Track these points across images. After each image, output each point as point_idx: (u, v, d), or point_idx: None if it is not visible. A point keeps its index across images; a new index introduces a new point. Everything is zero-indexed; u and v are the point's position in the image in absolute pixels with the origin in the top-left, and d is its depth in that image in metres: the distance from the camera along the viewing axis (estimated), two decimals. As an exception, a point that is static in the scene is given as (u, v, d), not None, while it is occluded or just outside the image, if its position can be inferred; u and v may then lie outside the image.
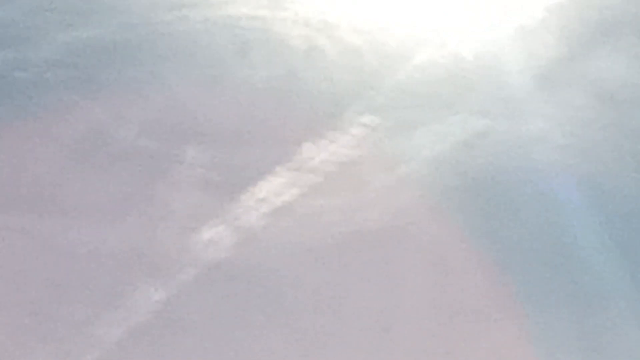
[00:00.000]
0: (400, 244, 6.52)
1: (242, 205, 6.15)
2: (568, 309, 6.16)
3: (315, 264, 6.34)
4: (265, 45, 6.31)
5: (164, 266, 5.99)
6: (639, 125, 6.56)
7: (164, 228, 6.19)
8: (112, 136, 6.48)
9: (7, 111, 6.22)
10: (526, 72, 6.57)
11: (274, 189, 6.16)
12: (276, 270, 6.25)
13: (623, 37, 6.97)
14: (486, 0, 6.57)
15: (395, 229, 6.48)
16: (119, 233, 6.17)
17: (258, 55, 6.33)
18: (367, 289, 6.32)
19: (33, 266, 5.95)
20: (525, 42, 6.51)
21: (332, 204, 6.44)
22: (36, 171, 6.38)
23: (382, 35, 6.34)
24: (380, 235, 6.53)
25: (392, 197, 6.53)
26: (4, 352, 5.38)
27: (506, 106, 6.56)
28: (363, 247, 6.49)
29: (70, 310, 5.74)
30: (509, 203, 6.54)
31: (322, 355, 5.60)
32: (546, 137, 6.50)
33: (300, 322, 5.96)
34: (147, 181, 6.27)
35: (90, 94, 6.29)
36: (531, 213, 6.35)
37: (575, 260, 6.59)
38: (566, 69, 6.75)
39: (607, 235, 6.73)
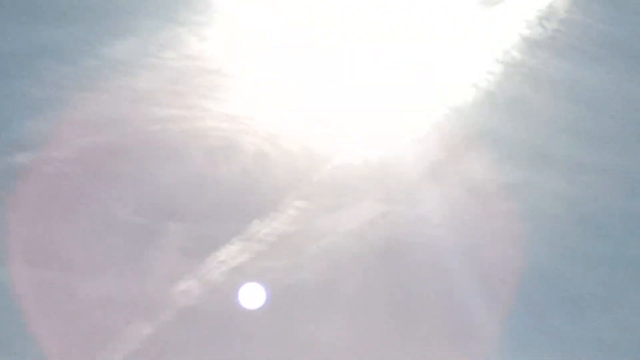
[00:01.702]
0: (327, 295, 9.11)
1: (207, 266, 8.71)
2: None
3: (262, 309, 8.91)
4: (225, 150, 8.96)
5: (151, 309, 8.51)
6: (497, 209, 9.26)
7: (151, 281, 8.73)
8: (113, 213, 9.05)
9: (39, 193, 8.75)
10: (417, 171, 9.29)
11: (231, 254, 8.72)
12: (232, 313, 8.82)
13: (494, 145, 9.72)
14: (388, 117, 9.27)
15: (322, 284, 9.07)
16: (118, 284, 8.72)
17: (220, 156, 8.98)
18: (302, 329, 8.86)
19: (57, 308, 8.49)
20: (416, 149, 9.24)
21: (274, 266, 9.05)
22: (56, 238, 8.91)
23: (310, 143, 9.03)
24: (310, 288, 9.12)
25: (318, 260, 9.13)
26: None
27: (401, 196, 9.26)
28: (297, 298, 9.08)
29: (83, 339, 8.27)
30: (402, 265, 9.19)
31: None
32: (429, 218, 9.18)
33: (250, 350, 8.51)
34: (139, 247, 8.82)
35: (98, 183, 8.86)
36: (415, 271, 9.00)
37: (450, 307, 9.29)
38: (447, 170, 9.49)
39: (476, 288, 9.50)
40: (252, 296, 8.88)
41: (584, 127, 9.50)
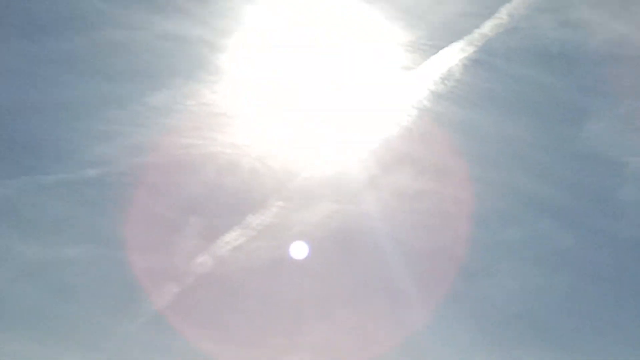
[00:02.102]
0: (299, 266, 13.79)
1: (217, 245, 13.37)
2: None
3: (254, 275, 13.59)
4: (228, 167, 13.60)
5: (180, 273, 13.18)
6: (415, 207, 13.86)
7: (180, 254, 13.42)
8: (156, 209, 13.62)
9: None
10: (359, 181, 13.90)
11: (233, 237, 13.37)
12: (234, 278, 13.49)
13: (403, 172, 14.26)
14: (337, 145, 13.86)
15: (295, 259, 13.74)
16: (156, 256, 13.38)
17: (224, 172, 13.60)
18: (283, 289, 13.62)
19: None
20: (358, 166, 13.84)
21: (262, 245, 13.67)
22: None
23: (288, 162, 13.68)
24: (287, 262, 13.79)
25: (292, 242, 13.75)
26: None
27: (348, 198, 13.87)
28: (278, 268, 13.75)
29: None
30: (350, 246, 13.83)
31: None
32: (368, 213, 13.81)
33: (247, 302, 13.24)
34: (172, 231, 13.45)
35: (146, 188, 13.46)
36: (358, 249, 13.64)
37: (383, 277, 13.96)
38: (381, 181, 14.07)
39: (402, 261, 14.16)
40: (247, 266, 13.45)
41: (472, 151, 14.10)
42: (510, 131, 14.19)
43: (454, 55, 13.51)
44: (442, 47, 13.52)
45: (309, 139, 14.34)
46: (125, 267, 13.65)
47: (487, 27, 13.38)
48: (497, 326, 13.76)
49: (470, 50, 13.43)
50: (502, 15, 13.33)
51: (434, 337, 13.68)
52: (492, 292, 13.93)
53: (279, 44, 14.09)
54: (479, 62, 13.50)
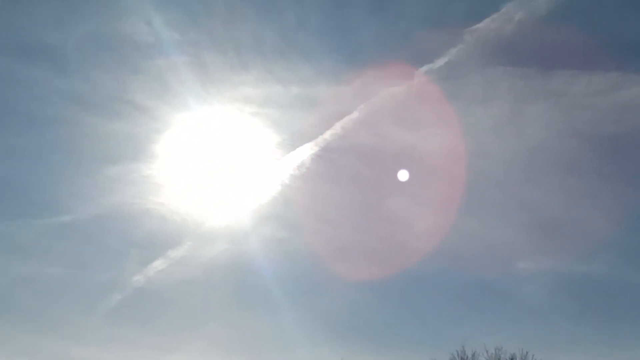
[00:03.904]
0: (192, 285, 21.53)
1: (149, 269, 21.02)
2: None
3: (173, 289, 21.24)
4: (158, 218, 21.28)
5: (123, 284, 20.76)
6: (285, 249, 21.70)
7: (123, 271, 21.04)
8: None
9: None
10: (247, 229, 21.73)
11: (159, 264, 21.05)
12: (164, 290, 21.12)
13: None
14: (230, 207, 21.68)
15: (194, 281, 21.48)
16: None
17: (156, 221, 21.30)
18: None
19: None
20: (248, 219, 21.64)
21: (180, 270, 21.35)
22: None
23: (199, 217, 21.44)
24: (191, 280, 21.46)
25: (194, 270, 21.47)
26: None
27: (239, 240, 21.68)
28: (186, 284, 21.43)
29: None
30: (237, 270, 21.59)
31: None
32: (251, 252, 21.63)
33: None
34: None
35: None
36: (242, 272, 21.41)
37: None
38: (264, 230, 21.86)
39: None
40: (167, 284, 21.01)
41: (317, 212, 22.01)
42: (340, 199, 22.25)
43: (306, 151, 21.45)
44: (298, 146, 21.52)
45: (213, 201, 22.22)
46: (88, 281, 21.24)
47: (327, 135, 21.31)
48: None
49: (316, 148, 21.38)
50: (337, 128, 21.26)
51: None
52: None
53: (195, 138, 21.99)
54: (321, 157, 21.51)
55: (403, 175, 21.69)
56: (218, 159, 22.39)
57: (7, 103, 22.55)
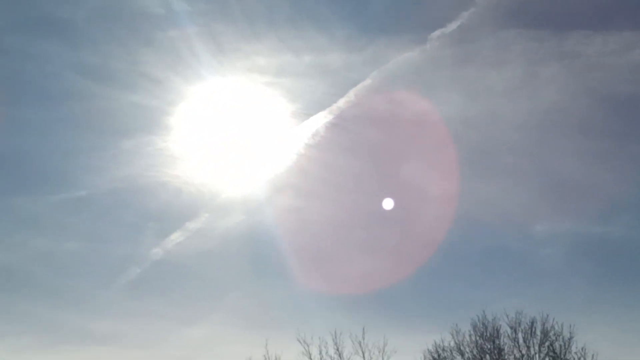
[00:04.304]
0: (219, 255, 21.58)
1: (167, 241, 21.10)
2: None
3: (191, 260, 21.32)
4: (176, 190, 21.30)
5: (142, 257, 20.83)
6: (302, 219, 21.71)
7: (141, 244, 21.12)
8: None
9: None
10: (262, 200, 21.72)
11: (177, 236, 21.10)
12: (182, 261, 21.20)
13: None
14: (247, 178, 21.67)
15: (214, 250, 21.53)
16: None
17: (174, 193, 21.30)
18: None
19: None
20: (263, 190, 21.63)
21: (197, 242, 21.41)
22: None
23: (215, 187, 21.43)
24: (208, 252, 21.53)
25: (214, 239, 21.51)
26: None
27: (254, 210, 21.69)
28: (207, 251, 21.50)
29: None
30: (253, 239, 21.63)
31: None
32: (266, 222, 21.62)
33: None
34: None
35: None
36: (258, 244, 21.45)
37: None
38: (278, 200, 21.86)
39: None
40: (185, 255, 21.05)
41: (331, 180, 22.00)
42: (355, 166, 22.21)
43: (320, 120, 21.30)
44: (312, 115, 21.33)
45: (228, 172, 22.19)
46: (106, 255, 21.33)
47: (341, 103, 21.17)
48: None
49: (330, 117, 21.23)
50: (351, 96, 21.12)
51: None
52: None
53: (209, 110, 21.89)
54: (335, 125, 21.35)
55: (417, 141, 22.05)
56: (232, 130, 22.16)
57: (20, 78, 22.92)
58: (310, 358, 14.39)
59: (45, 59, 22.32)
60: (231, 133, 22.57)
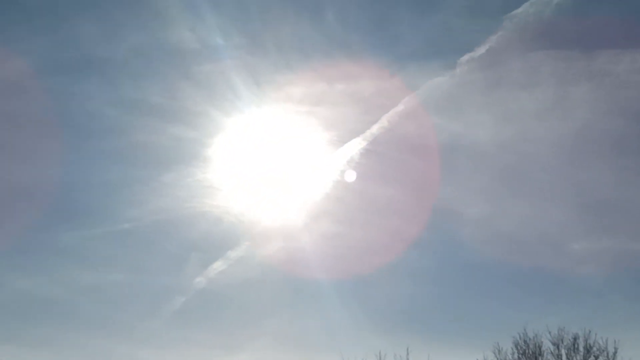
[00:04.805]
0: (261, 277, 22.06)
1: (210, 270, 21.64)
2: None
3: (233, 288, 21.81)
4: (218, 219, 21.89)
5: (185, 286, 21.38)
6: (334, 244, 22.11)
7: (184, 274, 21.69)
8: None
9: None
10: (298, 228, 22.20)
11: (219, 265, 21.63)
12: (224, 289, 21.70)
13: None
14: (283, 206, 22.20)
15: (254, 277, 22.00)
16: None
17: (215, 222, 21.91)
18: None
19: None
20: (299, 220, 22.11)
21: (239, 270, 21.93)
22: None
23: (254, 217, 21.98)
24: (251, 279, 22.01)
25: (257, 265, 21.99)
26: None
27: (292, 237, 22.16)
28: (250, 285, 21.98)
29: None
30: (292, 261, 22.05)
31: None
32: (304, 248, 22.06)
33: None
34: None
35: None
36: (297, 269, 21.86)
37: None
38: (313, 228, 22.29)
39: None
40: (228, 284, 21.52)
41: (368, 207, 22.36)
42: (390, 192, 22.58)
43: (355, 146, 21.82)
44: (347, 141, 21.89)
45: (266, 200, 22.80)
46: (151, 285, 21.95)
47: (375, 129, 21.66)
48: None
49: (364, 143, 21.73)
50: (384, 122, 21.60)
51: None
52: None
53: (246, 140, 22.61)
54: (370, 151, 21.83)
55: (451, 164, 22.46)
56: (269, 159, 23.23)
57: (63, 117, 23.73)
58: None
59: (87, 97, 23.57)
60: (268, 162, 23.54)
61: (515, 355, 15.48)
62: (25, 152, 22.91)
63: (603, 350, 14.70)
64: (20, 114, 22.31)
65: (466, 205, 22.72)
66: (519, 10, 20.60)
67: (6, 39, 21.80)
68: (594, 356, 14.63)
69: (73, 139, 23.65)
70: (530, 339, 15.44)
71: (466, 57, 21.37)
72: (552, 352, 15.18)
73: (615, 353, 14.56)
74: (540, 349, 15.38)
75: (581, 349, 14.96)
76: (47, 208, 23.29)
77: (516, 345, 15.58)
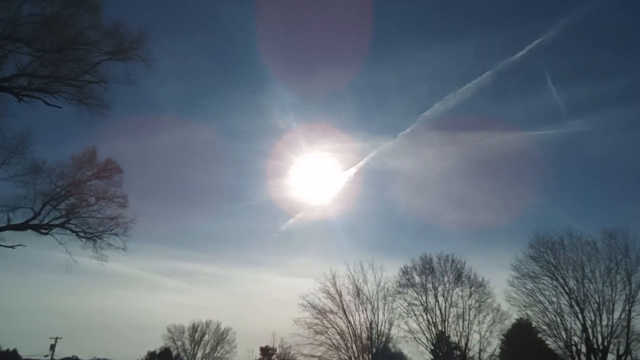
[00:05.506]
0: None
1: None
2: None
3: None
4: None
5: None
6: None
7: None
8: None
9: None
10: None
11: None
12: None
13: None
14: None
15: None
16: None
17: None
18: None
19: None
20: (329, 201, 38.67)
21: None
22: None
23: (306, 200, 39.05)
24: None
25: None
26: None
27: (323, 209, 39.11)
28: None
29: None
30: None
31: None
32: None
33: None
34: None
35: None
36: None
37: None
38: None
39: None
40: None
41: None
42: None
43: (352, 170, 51.41)
44: (348, 168, 48.03)
45: (312, 192, 75.65)
46: (259, 229, 77.61)
47: (361, 164, 47.92)
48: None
49: (356, 170, 55.93)
50: (361, 163, 39.88)
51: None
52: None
53: (304, 166, 72.23)
54: (358, 174, 54.05)
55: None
56: (314, 175, 70.58)
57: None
58: (350, 270, 42.84)
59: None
60: (314, 175, 77.70)
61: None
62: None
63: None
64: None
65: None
66: (426, 113, 49.82)
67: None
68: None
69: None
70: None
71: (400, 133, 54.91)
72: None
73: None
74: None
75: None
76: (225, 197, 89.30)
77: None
